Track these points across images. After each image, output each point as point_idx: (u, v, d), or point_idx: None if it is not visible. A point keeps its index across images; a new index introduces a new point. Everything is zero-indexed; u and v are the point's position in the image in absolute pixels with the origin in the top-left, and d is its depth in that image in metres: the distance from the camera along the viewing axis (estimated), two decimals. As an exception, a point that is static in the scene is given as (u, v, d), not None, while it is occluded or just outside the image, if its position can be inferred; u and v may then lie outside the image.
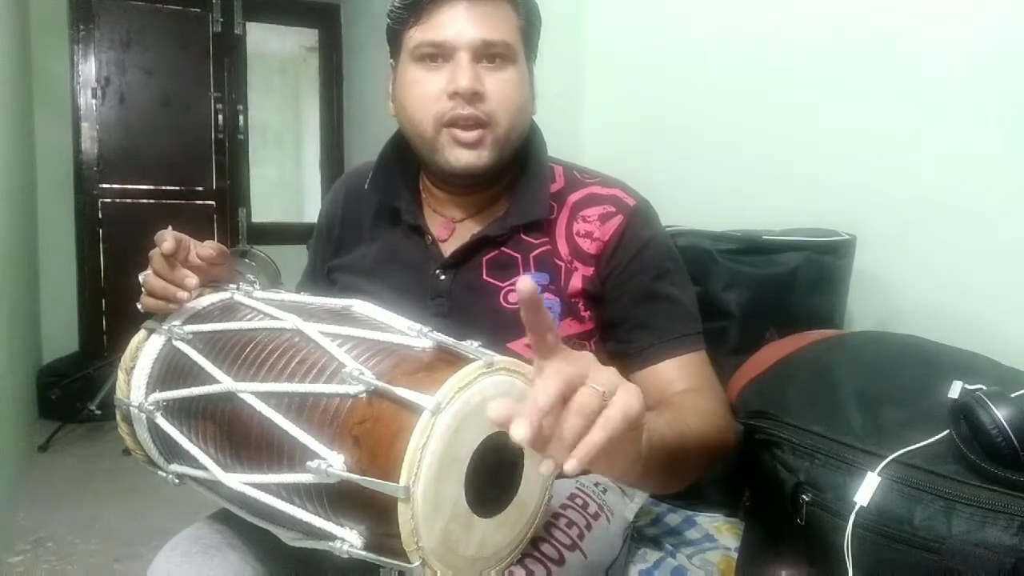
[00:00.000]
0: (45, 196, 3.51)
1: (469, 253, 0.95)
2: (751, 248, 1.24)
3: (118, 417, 0.90)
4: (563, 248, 0.94)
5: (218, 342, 0.81)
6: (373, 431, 0.64)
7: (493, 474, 0.67)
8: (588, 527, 0.87)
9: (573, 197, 0.96)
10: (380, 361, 0.69)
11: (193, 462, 0.78)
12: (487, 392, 0.64)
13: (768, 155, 1.47)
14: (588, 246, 0.93)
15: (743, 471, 0.95)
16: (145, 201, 3.85)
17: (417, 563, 0.62)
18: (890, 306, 1.29)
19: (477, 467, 0.64)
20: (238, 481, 0.73)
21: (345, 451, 0.64)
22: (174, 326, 0.85)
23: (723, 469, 0.92)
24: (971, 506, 0.68)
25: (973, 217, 1.16)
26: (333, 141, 4.54)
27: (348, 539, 0.66)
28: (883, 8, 1.29)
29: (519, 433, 0.47)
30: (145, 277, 0.89)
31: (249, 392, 0.72)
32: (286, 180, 4.90)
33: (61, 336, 3.63)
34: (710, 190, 1.57)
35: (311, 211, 4.61)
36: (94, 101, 3.71)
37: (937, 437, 0.73)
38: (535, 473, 0.71)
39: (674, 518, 1.15)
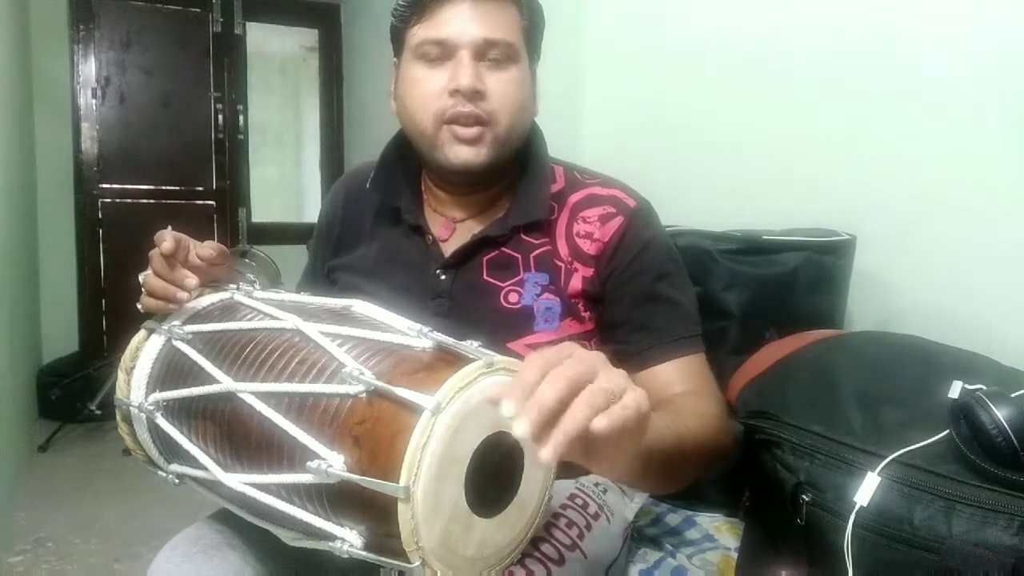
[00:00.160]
0: (45, 196, 3.52)
1: (469, 253, 0.95)
2: (751, 248, 1.24)
3: (118, 417, 0.90)
4: (563, 249, 0.94)
5: (218, 342, 0.81)
6: (373, 431, 0.64)
7: (493, 474, 0.67)
8: (588, 527, 0.87)
9: (574, 198, 0.96)
10: (380, 361, 0.69)
11: (193, 462, 0.78)
12: (487, 392, 0.64)
13: (768, 155, 1.47)
14: (588, 247, 0.93)
15: (743, 471, 0.95)
16: (145, 201, 3.85)
17: (417, 563, 0.62)
18: (890, 306, 1.29)
19: (477, 467, 0.64)
20: (238, 481, 0.73)
21: (345, 451, 0.64)
22: (174, 326, 0.85)
23: (723, 469, 0.92)
24: (971, 506, 0.68)
25: (973, 217, 1.16)
26: (333, 141, 4.54)
27: (348, 539, 0.65)
28: (883, 8, 1.29)
29: (520, 427, 0.48)
30: (145, 277, 0.89)
31: (249, 392, 0.72)
32: (286, 180, 4.90)
33: (61, 336, 3.63)
34: (710, 190, 1.57)
35: (311, 211, 4.61)
36: (94, 101, 3.71)
37: (937, 437, 0.73)
38: (535, 473, 0.71)
39: (674, 518, 1.15)
